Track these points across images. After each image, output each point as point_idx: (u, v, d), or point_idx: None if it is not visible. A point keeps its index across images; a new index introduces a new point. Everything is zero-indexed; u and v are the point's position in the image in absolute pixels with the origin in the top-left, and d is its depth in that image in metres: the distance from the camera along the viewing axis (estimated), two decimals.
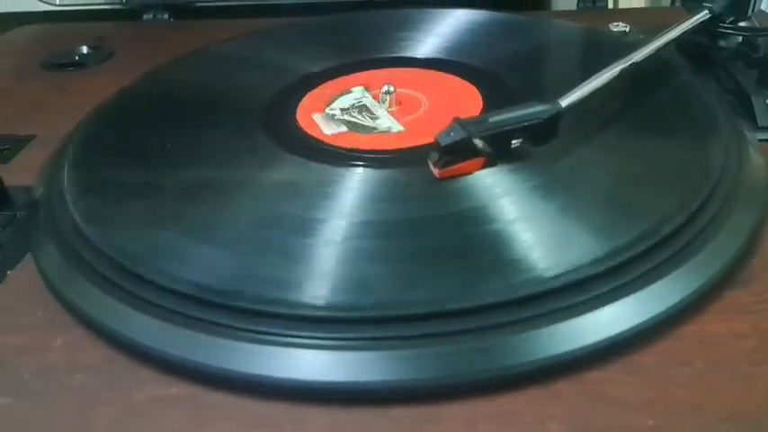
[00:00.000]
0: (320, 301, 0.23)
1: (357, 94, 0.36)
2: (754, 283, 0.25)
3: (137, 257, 0.25)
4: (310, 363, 0.22)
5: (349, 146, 0.31)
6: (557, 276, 0.23)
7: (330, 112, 0.34)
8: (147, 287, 0.24)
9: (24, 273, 0.28)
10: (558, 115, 0.28)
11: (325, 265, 0.25)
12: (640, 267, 0.24)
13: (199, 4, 0.56)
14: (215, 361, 0.22)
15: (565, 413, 0.21)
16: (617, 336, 0.22)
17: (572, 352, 0.22)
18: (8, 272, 0.28)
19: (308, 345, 0.22)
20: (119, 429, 0.21)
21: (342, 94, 0.36)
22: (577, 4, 0.52)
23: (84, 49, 0.49)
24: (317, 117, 0.34)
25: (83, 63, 0.48)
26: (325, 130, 0.33)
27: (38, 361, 0.24)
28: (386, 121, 0.33)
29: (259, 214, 0.27)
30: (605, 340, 0.22)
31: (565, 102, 0.29)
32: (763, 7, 0.52)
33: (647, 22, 0.44)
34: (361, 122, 0.34)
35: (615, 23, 0.44)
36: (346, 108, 0.35)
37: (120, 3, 0.57)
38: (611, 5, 0.53)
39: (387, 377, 0.21)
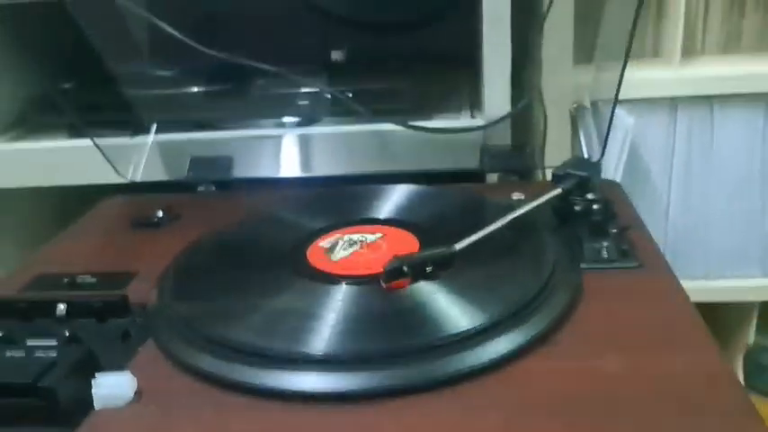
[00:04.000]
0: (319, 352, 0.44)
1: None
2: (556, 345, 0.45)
3: (210, 328, 0.46)
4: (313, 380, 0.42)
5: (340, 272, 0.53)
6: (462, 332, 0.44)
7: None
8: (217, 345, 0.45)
9: (148, 348, 0.49)
10: (453, 254, 0.50)
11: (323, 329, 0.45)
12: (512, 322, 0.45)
13: (236, 179, 0.80)
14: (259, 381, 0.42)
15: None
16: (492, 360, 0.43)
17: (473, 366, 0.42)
18: (139, 348, 0.49)
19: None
20: (217, 422, 0.41)
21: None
22: (498, 179, 0.76)
23: (160, 213, 0.69)
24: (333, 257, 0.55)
25: (160, 223, 0.68)
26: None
27: (164, 390, 0.44)
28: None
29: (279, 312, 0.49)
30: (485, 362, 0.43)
31: (459, 245, 0.51)
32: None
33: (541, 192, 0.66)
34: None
35: (516, 194, 0.67)
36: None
37: (182, 178, 0.79)
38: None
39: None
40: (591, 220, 0.58)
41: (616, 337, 0.45)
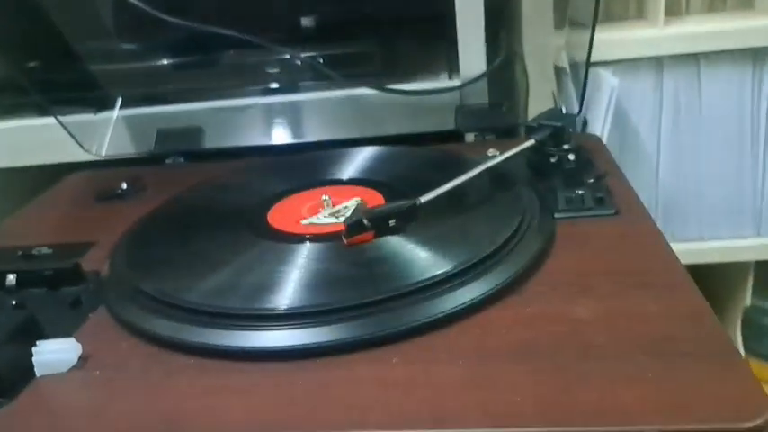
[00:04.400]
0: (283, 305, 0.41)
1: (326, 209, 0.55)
2: (525, 293, 0.43)
3: (167, 293, 0.44)
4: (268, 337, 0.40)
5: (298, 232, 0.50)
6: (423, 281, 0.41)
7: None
8: (168, 307, 0.43)
9: (99, 315, 0.46)
10: (416, 207, 0.47)
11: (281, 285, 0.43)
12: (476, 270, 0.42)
13: (205, 150, 0.77)
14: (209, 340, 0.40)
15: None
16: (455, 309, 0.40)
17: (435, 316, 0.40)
18: (90, 315, 0.46)
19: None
20: (165, 384, 0.39)
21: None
22: (474, 138, 0.73)
23: (125, 186, 0.67)
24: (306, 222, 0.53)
25: (124, 195, 0.66)
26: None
27: (112, 355, 0.42)
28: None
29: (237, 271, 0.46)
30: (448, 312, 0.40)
31: (423, 198, 0.48)
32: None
33: None
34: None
35: (490, 150, 0.64)
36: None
37: (149, 151, 0.77)
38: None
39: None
40: (565, 169, 0.55)
41: (588, 283, 0.43)
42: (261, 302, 0.42)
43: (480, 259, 0.43)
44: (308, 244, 0.48)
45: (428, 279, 0.41)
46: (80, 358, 0.41)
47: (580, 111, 0.68)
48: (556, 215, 0.51)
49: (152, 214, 0.57)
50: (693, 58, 0.85)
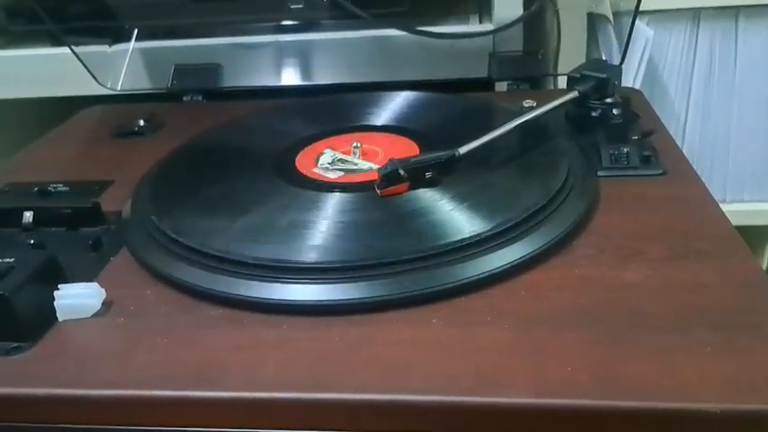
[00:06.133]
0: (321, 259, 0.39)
1: (329, 153, 0.52)
2: (573, 251, 0.41)
3: (190, 236, 0.42)
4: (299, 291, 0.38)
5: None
6: (464, 240, 0.39)
7: (323, 166, 0.51)
8: (197, 254, 0.40)
9: (122, 258, 0.44)
10: (456, 157, 0.45)
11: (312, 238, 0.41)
12: (520, 229, 0.40)
13: (225, 89, 0.74)
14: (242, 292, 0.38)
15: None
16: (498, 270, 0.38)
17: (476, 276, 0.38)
18: (111, 258, 0.44)
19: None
20: (193, 335, 0.37)
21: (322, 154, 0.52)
22: (507, 87, 0.70)
23: (142, 122, 0.64)
24: (317, 171, 0.50)
25: (142, 132, 0.63)
26: (330, 176, 0.49)
27: (137, 302, 0.40)
28: (364, 164, 0.50)
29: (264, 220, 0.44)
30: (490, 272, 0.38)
31: (463, 149, 0.46)
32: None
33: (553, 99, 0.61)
34: (350, 168, 0.50)
35: (526, 101, 0.61)
36: (331, 162, 0.51)
37: (166, 88, 0.74)
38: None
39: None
40: (609, 124, 0.52)
41: (638, 247, 0.41)
42: (297, 255, 0.40)
43: (524, 217, 0.41)
44: (339, 193, 0.45)
45: (470, 237, 0.39)
46: (103, 304, 0.39)
47: (622, 61, 0.65)
48: (599, 173, 0.49)
49: (174, 154, 0.55)
50: (733, 12, 0.81)
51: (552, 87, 0.73)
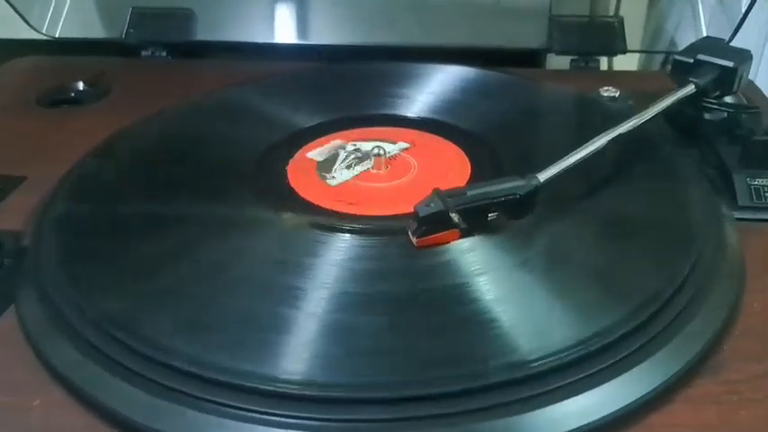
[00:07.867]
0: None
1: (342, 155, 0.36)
2: (723, 373, 0.25)
3: (121, 324, 0.25)
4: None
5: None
6: (538, 360, 0.23)
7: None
8: (131, 356, 0.24)
9: (7, 323, 0.28)
10: (536, 191, 0.29)
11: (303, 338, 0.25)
12: (616, 354, 0.24)
13: (197, 42, 0.57)
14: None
15: None
16: (591, 424, 0.23)
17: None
18: None
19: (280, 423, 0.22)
20: None
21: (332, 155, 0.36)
22: (570, 64, 0.53)
23: (81, 86, 0.50)
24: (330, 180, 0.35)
25: (78, 100, 0.49)
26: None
27: (16, 423, 0.24)
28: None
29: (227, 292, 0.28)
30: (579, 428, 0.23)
31: (543, 176, 0.30)
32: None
33: (637, 87, 0.45)
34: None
35: (606, 88, 0.45)
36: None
37: (120, 37, 0.57)
38: (604, 66, 0.54)
39: None
40: (738, 136, 0.37)
41: None
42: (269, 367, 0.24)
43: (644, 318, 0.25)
44: (349, 238, 0.29)
45: (571, 350, 0.24)
46: None
47: (732, 38, 0.49)
48: (736, 215, 0.33)
49: (108, 149, 0.38)
50: None
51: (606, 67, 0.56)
